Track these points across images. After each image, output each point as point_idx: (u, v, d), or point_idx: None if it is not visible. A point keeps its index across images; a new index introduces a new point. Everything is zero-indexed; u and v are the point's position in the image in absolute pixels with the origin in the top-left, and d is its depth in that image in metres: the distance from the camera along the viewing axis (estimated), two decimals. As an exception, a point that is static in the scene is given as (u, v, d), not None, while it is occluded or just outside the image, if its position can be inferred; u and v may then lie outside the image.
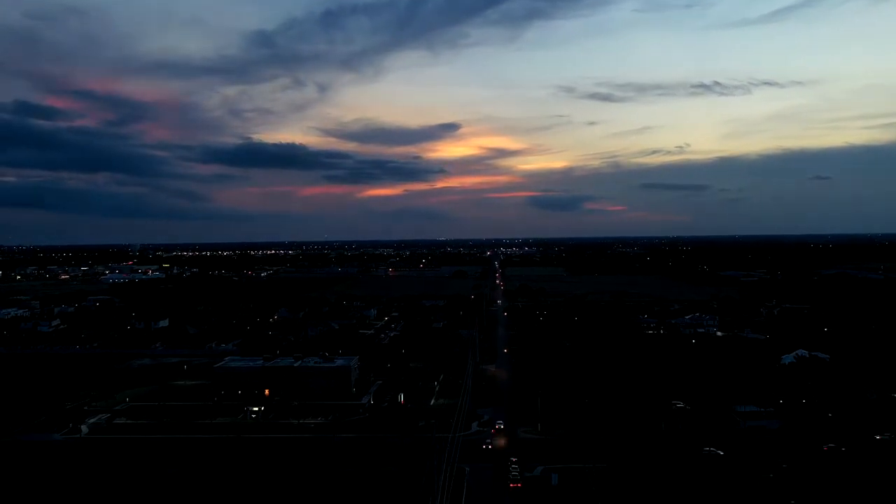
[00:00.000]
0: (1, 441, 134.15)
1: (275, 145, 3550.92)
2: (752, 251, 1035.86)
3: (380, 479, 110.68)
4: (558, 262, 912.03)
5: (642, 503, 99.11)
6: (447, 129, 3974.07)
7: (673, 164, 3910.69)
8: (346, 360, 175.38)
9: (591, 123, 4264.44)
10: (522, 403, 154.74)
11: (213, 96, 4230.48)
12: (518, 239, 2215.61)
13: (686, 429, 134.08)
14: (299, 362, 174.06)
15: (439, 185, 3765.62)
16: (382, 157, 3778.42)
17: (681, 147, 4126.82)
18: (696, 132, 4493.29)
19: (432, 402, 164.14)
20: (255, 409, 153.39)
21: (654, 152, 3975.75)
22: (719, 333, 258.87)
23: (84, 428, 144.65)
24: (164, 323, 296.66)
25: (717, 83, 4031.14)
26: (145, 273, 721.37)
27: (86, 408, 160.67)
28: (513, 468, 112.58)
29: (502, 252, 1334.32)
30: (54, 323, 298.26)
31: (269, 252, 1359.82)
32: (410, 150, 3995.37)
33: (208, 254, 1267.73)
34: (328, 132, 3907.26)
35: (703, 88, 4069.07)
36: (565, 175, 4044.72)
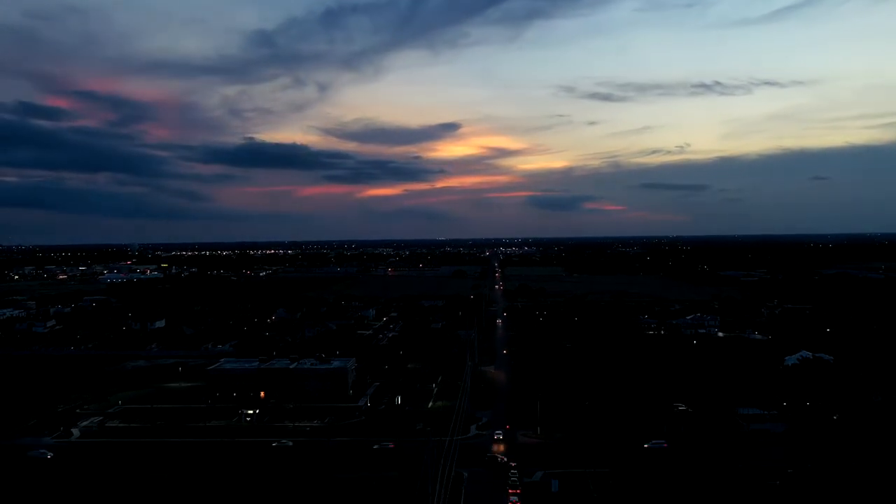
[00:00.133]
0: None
1: (275, 145, 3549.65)
2: (752, 251, 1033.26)
3: (375, 485, 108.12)
4: (558, 262, 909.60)
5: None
6: (447, 129, 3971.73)
7: (673, 163, 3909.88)
8: (342, 362, 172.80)
9: (592, 123, 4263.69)
10: (521, 406, 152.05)
11: (214, 96, 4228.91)
12: (517, 239, 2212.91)
13: (689, 432, 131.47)
14: (295, 364, 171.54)
15: (439, 184, 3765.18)
16: (382, 157, 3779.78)
17: (681, 147, 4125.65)
18: (697, 132, 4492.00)
19: (430, 404, 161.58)
20: (250, 411, 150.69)
21: (654, 152, 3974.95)
22: (721, 334, 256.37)
23: (75, 431, 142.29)
24: (161, 323, 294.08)
25: (717, 83, 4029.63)
26: (143, 273, 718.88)
27: (78, 410, 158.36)
28: (512, 473, 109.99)
29: (502, 252, 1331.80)
30: (49, 324, 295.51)
31: (268, 252, 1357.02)
32: (410, 149, 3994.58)
33: (207, 254, 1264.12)
34: (328, 132, 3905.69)
35: (704, 88, 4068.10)
36: (565, 175, 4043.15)
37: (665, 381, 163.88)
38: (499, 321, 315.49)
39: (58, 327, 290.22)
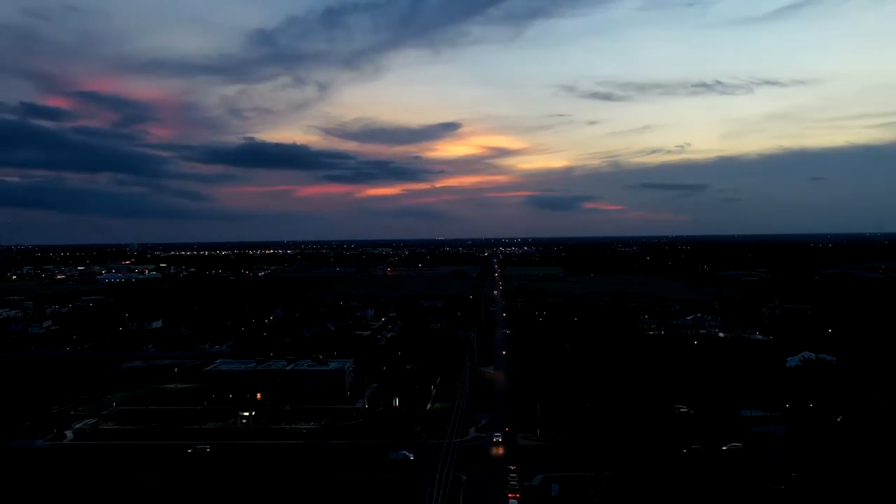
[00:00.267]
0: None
1: (275, 145, 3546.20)
2: (751, 251, 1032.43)
3: (372, 489, 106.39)
4: (557, 262, 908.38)
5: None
6: (447, 129, 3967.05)
7: (673, 163, 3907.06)
8: (340, 363, 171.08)
9: (592, 123, 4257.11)
10: (521, 407, 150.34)
11: (213, 95, 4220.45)
12: (517, 238, 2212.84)
13: (691, 434, 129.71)
14: (292, 365, 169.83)
15: (439, 184, 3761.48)
16: (382, 157, 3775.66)
17: (681, 146, 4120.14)
18: (697, 131, 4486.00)
19: (428, 406, 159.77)
20: (246, 413, 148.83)
21: (654, 152, 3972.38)
22: (721, 335, 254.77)
23: (69, 434, 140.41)
24: (158, 324, 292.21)
25: (718, 82, 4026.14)
26: (142, 273, 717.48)
27: (72, 412, 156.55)
28: (511, 477, 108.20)
29: (501, 252, 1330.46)
30: (46, 324, 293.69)
31: (267, 252, 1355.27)
32: (410, 149, 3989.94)
33: (206, 253, 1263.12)
34: (328, 131, 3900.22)
35: (705, 87, 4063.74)
36: (565, 174, 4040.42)
37: (666, 382, 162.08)
38: (498, 321, 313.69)
39: (54, 328, 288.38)
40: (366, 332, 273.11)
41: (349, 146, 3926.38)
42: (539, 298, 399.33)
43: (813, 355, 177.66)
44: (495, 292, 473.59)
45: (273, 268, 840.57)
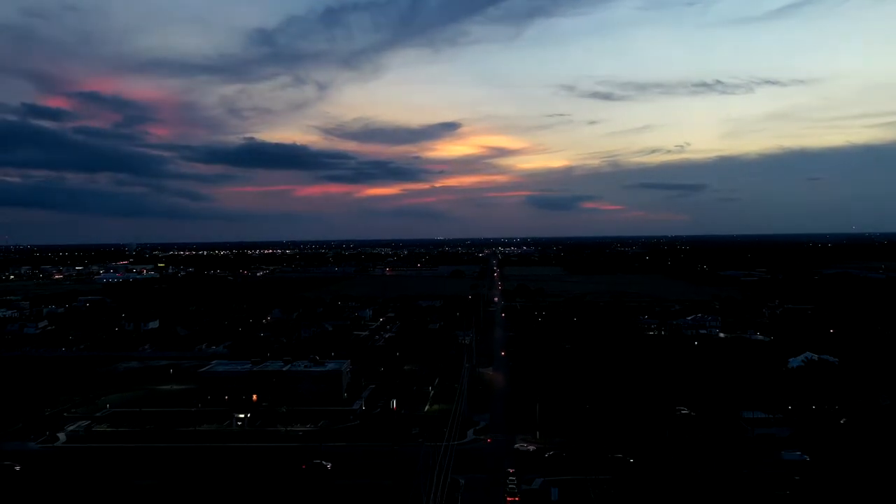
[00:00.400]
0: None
1: (274, 145, 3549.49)
2: (751, 251, 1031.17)
3: (369, 493, 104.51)
4: (556, 262, 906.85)
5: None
6: (447, 128, 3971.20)
7: (672, 163, 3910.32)
8: (337, 364, 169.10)
9: (592, 122, 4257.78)
10: (520, 409, 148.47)
11: (213, 95, 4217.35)
12: (516, 238, 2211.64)
13: (692, 437, 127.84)
14: (288, 366, 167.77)
15: (438, 184, 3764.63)
16: (382, 157, 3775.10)
17: (681, 146, 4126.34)
18: (697, 131, 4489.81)
19: (426, 407, 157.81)
20: (241, 415, 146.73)
21: (653, 151, 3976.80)
22: (722, 335, 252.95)
23: (62, 436, 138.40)
24: (155, 324, 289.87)
25: (718, 82, 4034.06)
26: (140, 273, 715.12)
27: (66, 414, 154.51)
28: (510, 480, 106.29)
29: (500, 251, 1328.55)
30: (41, 324, 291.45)
31: (266, 252, 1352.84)
32: (410, 149, 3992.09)
33: (205, 253, 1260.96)
34: (328, 131, 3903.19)
35: (705, 87, 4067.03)
36: (565, 174, 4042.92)
37: (666, 383, 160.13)
38: (497, 322, 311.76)
39: (50, 328, 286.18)
40: (364, 333, 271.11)
41: (349, 146, 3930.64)
42: (538, 298, 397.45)
43: (815, 356, 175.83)
44: (495, 291, 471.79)
45: (272, 268, 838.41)
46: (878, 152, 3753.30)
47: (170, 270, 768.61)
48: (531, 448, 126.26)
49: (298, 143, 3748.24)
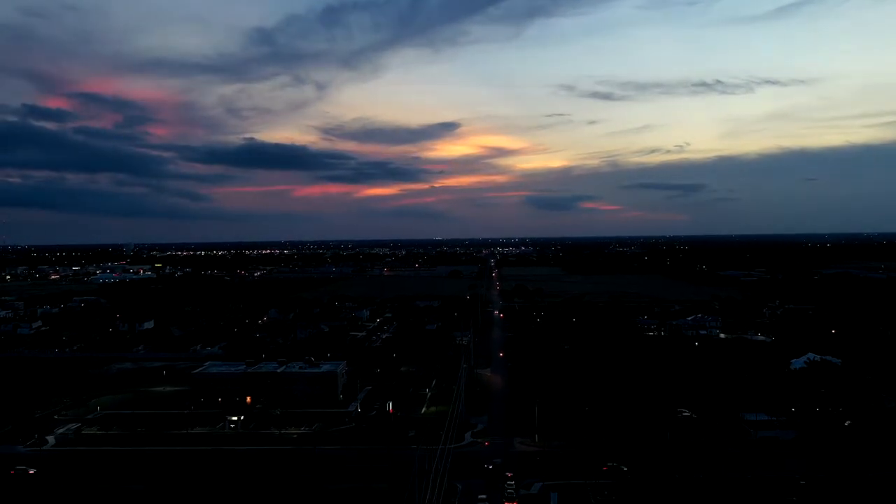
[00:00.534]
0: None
1: (274, 145, 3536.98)
2: (750, 251, 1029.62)
3: (363, 497, 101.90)
4: (555, 262, 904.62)
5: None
6: (446, 128, 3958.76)
7: (672, 163, 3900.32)
8: (332, 366, 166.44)
9: (591, 122, 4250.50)
10: (518, 411, 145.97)
11: (212, 95, 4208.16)
12: (515, 238, 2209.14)
13: (694, 440, 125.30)
14: (283, 368, 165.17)
15: (437, 184, 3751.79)
16: (381, 157, 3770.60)
17: (680, 146, 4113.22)
18: (696, 131, 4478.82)
19: (423, 409, 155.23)
20: (235, 418, 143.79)
21: (653, 151, 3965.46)
22: (722, 335, 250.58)
23: (51, 439, 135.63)
24: (150, 325, 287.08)
25: (718, 81, 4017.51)
26: (137, 273, 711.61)
27: (56, 417, 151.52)
28: (508, 485, 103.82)
29: (499, 252, 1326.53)
30: (35, 325, 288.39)
31: (264, 252, 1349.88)
32: (409, 149, 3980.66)
33: (203, 253, 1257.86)
34: (327, 131, 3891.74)
35: (705, 87, 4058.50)
36: (564, 174, 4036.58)
37: (667, 384, 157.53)
38: (495, 322, 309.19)
39: (44, 328, 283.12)
40: (360, 334, 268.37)
41: (348, 146, 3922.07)
42: (537, 299, 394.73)
43: (818, 357, 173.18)
44: (493, 292, 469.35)
45: (269, 268, 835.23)
46: (877, 152, 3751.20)
47: (167, 271, 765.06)
48: (530, 451, 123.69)
49: (298, 143, 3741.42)
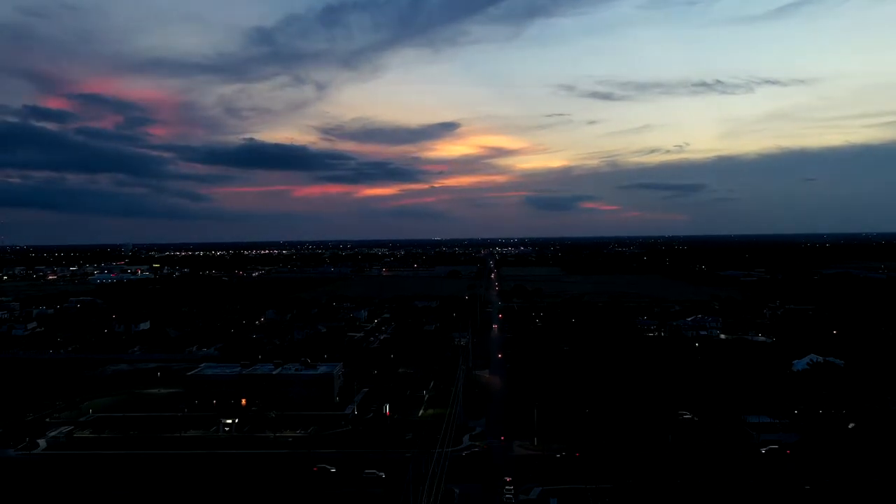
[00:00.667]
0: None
1: (273, 145, 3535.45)
2: (749, 251, 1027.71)
3: (356, 502, 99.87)
4: (554, 262, 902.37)
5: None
6: (446, 128, 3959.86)
7: (671, 163, 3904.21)
8: (329, 367, 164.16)
9: (591, 122, 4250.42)
10: (517, 414, 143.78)
11: (212, 95, 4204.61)
12: (514, 239, 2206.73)
13: (696, 443, 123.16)
14: (279, 369, 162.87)
15: (437, 184, 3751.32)
16: (380, 157, 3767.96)
17: (680, 146, 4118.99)
18: (696, 131, 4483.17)
19: (421, 412, 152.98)
20: (229, 421, 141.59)
21: (652, 151, 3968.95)
22: (723, 336, 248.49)
23: (42, 442, 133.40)
24: (146, 325, 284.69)
25: (718, 81, 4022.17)
26: (134, 273, 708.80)
27: (48, 419, 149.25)
28: (507, 489, 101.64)
29: (498, 252, 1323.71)
30: (30, 326, 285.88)
31: (263, 252, 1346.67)
32: (409, 149, 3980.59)
33: (201, 254, 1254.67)
34: (327, 131, 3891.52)
35: (705, 87, 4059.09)
36: (563, 174, 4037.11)
37: (668, 386, 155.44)
38: (494, 323, 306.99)
39: (39, 329, 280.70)
40: (358, 334, 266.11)
41: (347, 146, 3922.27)
42: (536, 299, 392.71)
43: (820, 358, 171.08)
44: (492, 292, 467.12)
45: (268, 268, 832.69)
46: (876, 152, 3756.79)
47: (165, 271, 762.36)
48: (529, 455, 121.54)
49: (297, 144, 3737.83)
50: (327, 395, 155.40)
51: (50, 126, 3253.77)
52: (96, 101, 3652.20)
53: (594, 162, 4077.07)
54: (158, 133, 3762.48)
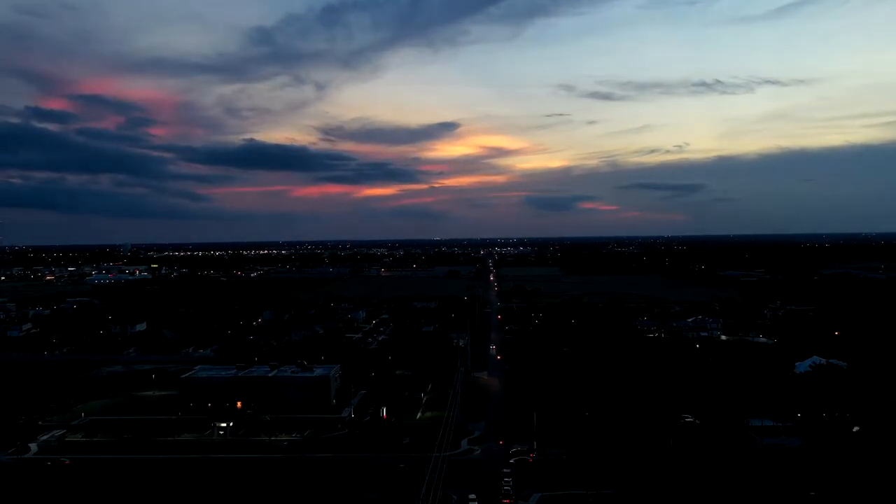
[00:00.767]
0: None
1: (273, 145, 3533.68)
2: (749, 251, 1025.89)
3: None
4: (553, 262, 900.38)
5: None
6: (446, 128, 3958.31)
7: (671, 163, 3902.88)
8: (325, 370, 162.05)
9: (591, 122, 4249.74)
10: (516, 417, 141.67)
11: (212, 95, 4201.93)
12: (513, 239, 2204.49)
13: (698, 447, 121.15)
14: (275, 372, 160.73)
15: (436, 184, 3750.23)
16: (380, 157, 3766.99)
17: (679, 146, 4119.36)
18: (696, 131, 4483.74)
19: (418, 415, 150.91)
20: (224, 424, 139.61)
21: (652, 151, 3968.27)
22: (724, 337, 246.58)
23: (33, 446, 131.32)
24: (142, 326, 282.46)
25: (718, 81, 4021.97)
26: (132, 274, 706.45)
27: (40, 423, 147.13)
28: (505, 491, 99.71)
29: (497, 252, 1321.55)
30: (25, 327, 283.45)
31: (262, 252, 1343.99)
32: (408, 149, 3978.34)
33: (200, 254, 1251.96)
34: (326, 132, 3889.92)
35: (705, 87, 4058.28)
36: (563, 174, 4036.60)
37: (668, 388, 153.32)
38: (493, 324, 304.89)
39: (34, 331, 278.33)
40: (356, 336, 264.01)
41: (347, 146, 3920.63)
42: (535, 299, 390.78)
43: (823, 360, 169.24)
44: (491, 292, 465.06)
45: (266, 268, 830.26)
46: (876, 152, 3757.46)
47: (163, 271, 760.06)
48: (528, 459, 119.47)
49: (297, 144, 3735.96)
50: (324, 398, 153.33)
51: (51, 127, 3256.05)
52: (97, 101, 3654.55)
53: (594, 162, 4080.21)
54: (159, 133, 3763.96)
